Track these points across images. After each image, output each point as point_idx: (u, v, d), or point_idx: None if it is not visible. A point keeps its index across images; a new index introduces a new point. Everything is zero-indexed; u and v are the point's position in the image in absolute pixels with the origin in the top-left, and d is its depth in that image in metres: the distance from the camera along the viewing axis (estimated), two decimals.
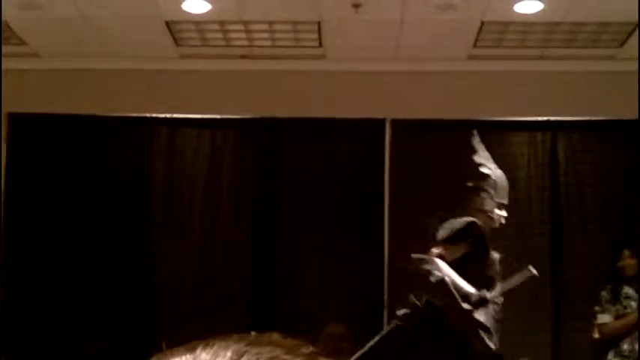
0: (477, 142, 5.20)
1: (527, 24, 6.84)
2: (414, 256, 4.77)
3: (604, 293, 6.08)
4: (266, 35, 7.16)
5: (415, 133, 6.99)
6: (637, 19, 6.73)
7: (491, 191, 5.07)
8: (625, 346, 5.90)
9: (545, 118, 6.87)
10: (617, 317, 5.98)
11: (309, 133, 7.11)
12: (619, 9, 6.55)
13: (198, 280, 6.78)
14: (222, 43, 7.29)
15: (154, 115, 7.17)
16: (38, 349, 6.62)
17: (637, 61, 7.31)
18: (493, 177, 5.12)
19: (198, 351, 0.97)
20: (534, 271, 4.93)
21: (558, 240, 6.63)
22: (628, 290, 6.02)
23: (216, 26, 6.99)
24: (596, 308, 6.08)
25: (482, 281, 4.78)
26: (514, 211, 6.74)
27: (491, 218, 5.05)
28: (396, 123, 6.97)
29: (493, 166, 5.14)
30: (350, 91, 7.34)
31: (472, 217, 5.01)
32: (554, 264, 6.59)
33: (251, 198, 6.92)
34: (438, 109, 7.10)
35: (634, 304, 5.96)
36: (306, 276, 6.74)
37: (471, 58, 7.41)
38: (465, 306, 4.60)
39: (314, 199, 6.93)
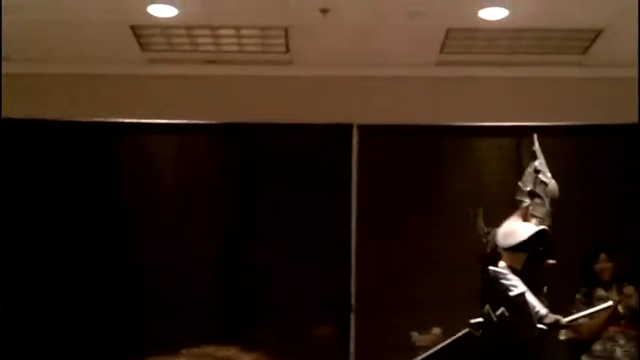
0: (536, 148, 5.20)
1: (494, 30, 6.89)
2: (492, 269, 4.73)
3: (578, 296, 6.16)
4: (233, 40, 7.13)
5: (382, 139, 7.00)
6: (601, 27, 6.82)
7: (546, 199, 5.07)
8: (597, 347, 5.96)
9: (511, 124, 6.92)
10: (590, 319, 6.04)
11: (276, 138, 7.10)
12: (584, 16, 6.63)
13: (168, 285, 6.73)
14: (189, 48, 7.25)
15: (120, 120, 7.12)
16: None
17: (602, 68, 7.43)
18: (549, 185, 5.12)
19: None
20: (620, 309, 5.10)
21: None
22: (601, 293, 6.10)
23: (182, 31, 6.95)
24: (572, 310, 6.14)
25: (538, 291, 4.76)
26: (483, 216, 6.79)
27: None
28: (363, 128, 6.98)
29: (549, 174, 5.16)
30: (317, 97, 7.35)
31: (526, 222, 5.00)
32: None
33: (219, 203, 6.89)
34: (405, 114, 7.13)
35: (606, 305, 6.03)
36: (275, 279, 6.72)
37: (438, 64, 7.45)
38: (540, 326, 4.60)
39: (281, 204, 6.92)
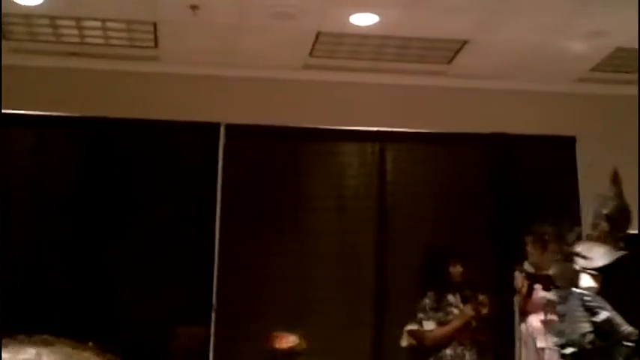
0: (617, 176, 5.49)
1: (361, 36, 6.99)
2: (577, 291, 4.85)
3: (428, 300, 6.24)
4: (99, 33, 6.98)
5: (249, 139, 7.00)
6: (466, 38, 7.02)
7: (614, 223, 5.45)
8: (447, 351, 6.09)
9: (374, 129, 7.04)
10: (439, 324, 6.18)
11: (142, 134, 6.98)
12: (448, 27, 6.81)
13: (23, 280, 6.50)
14: (53, 39, 7.05)
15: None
16: None
17: (465, 79, 7.65)
18: (620, 210, 5.51)
19: None
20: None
21: (384, 247, 6.80)
22: (451, 297, 6.23)
23: (46, 21, 6.75)
24: (420, 315, 6.25)
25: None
26: (342, 218, 6.89)
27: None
28: (231, 128, 6.96)
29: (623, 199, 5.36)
30: (185, 95, 7.28)
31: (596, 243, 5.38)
32: (379, 271, 6.75)
33: (78, 199, 6.71)
34: (273, 116, 7.14)
35: (455, 310, 6.18)
36: (134, 277, 6.60)
37: (307, 67, 7.50)
38: (627, 344, 4.87)
39: (144, 202, 6.80)
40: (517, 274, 6.00)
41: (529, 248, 6.04)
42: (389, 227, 6.84)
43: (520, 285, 5.89)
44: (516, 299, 5.94)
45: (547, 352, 5.75)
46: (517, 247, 6.28)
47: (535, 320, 5.85)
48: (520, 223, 6.82)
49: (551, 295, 5.74)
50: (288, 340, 6.24)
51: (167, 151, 6.93)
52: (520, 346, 5.84)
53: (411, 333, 6.17)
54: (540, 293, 5.82)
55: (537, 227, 6.04)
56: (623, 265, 5.32)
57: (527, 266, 6.03)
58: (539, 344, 5.79)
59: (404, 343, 6.18)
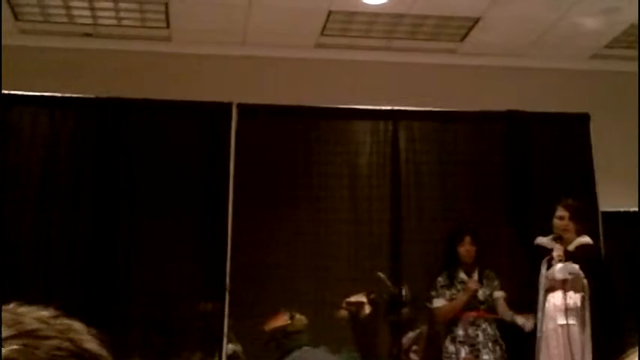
0: None
1: (373, 14, 6.97)
2: None
3: (440, 279, 6.28)
4: (111, 14, 6.98)
5: (261, 118, 6.99)
6: (478, 15, 6.98)
7: None
8: (460, 332, 6.11)
9: (387, 108, 7.02)
10: (451, 301, 6.22)
11: (154, 115, 6.97)
12: (460, 4, 6.78)
13: (34, 261, 6.53)
14: (65, 19, 7.06)
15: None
16: None
17: (478, 56, 7.62)
18: None
19: None
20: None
21: (398, 226, 6.80)
22: (463, 275, 6.25)
23: (58, 2, 6.76)
24: (432, 293, 6.29)
25: None
26: (356, 196, 6.89)
27: None
28: (243, 107, 6.95)
29: None
30: (197, 75, 7.29)
31: None
32: (394, 249, 6.75)
33: (90, 179, 6.72)
34: (285, 95, 7.14)
35: None
36: (148, 259, 6.62)
37: (318, 46, 7.49)
38: None
39: (158, 182, 6.80)
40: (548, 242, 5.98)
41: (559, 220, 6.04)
42: (402, 206, 6.83)
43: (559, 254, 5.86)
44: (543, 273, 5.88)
45: (568, 328, 5.74)
46: (532, 224, 6.27)
47: (554, 297, 5.83)
48: (534, 200, 6.82)
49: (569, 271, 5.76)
50: (277, 320, 6.28)
51: (179, 132, 6.92)
52: (542, 322, 5.81)
53: None
54: (559, 267, 5.79)
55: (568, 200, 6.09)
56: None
57: (546, 241, 6.02)
58: (560, 321, 5.77)
59: None
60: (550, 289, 5.82)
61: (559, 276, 5.75)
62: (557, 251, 5.80)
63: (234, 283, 6.56)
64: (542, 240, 6.02)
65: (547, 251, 5.91)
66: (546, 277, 5.81)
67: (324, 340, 6.14)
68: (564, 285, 5.77)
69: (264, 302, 6.55)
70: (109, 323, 6.27)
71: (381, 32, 7.30)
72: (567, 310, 5.71)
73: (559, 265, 5.77)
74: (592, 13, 6.86)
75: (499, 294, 6.21)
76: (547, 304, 5.81)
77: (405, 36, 7.37)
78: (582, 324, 5.73)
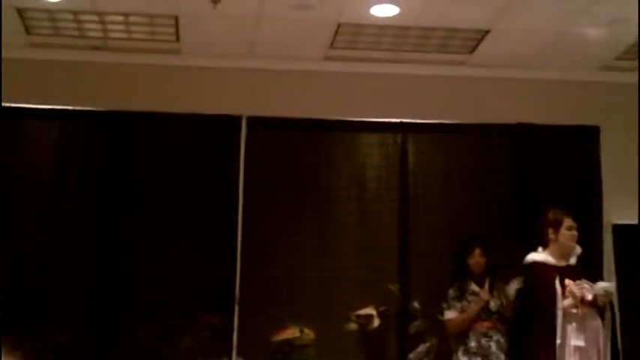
0: None
1: (382, 27, 6.99)
2: None
3: (451, 291, 6.28)
4: (121, 27, 7.03)
5: (270, 131, 7.01)
6: (487, 28, 7.00)
7: None
8: (472, 344, 6.10)
9: (396, 120, 7.03)
10: (462, 313, 6.21)
11: (163, 128, 7.00)
12: (469, 17, 6.79)
13: (40, 273, 6.56)
14: (76, 33, 7.11)
15: (2, 104, 6.91)
16: None
17: (487, 68, 7.64)
18: None
19: None
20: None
21: (406, 238, 6.80)
22: (474, 287, 6.24)
23: (69, 15, 6.81)
24: (443, 305, 6.28)
25: None
26: (364, 209, 6.90)
27: None
28: (252, 120, 6.97)
29: None
30: (206, 87, 7.33)
31: None
32: (403, 261, 6.75)
33: (100, 191, 6.75)
34: (294, 107, 7.16)
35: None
36: (157, 269, 6.63)
37: (327, 58, 7.52)
38: None
39: (167, 195, 6.82)
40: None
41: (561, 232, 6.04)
42: (411, 218, 6.82)
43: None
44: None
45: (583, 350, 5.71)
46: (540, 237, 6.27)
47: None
48: (543, 213, 6.80)
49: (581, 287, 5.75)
50: (285, 333, 6.28)
51: (189, 144, 6.95)
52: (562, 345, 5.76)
53: None
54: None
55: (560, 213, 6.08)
56: None
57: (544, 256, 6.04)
58: (575, 342, 5.73)
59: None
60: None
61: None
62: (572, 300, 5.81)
63: (243, 296, 6.57)
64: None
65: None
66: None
67: (332, 354, 6.14)
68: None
69: (271, 314, 6.56)
70: (116, 334, 6.32)
71: (389, 44, 7.32)
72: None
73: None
74: (601, 25, 6.86)
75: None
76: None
77: (414, 48, 7.39)
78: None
